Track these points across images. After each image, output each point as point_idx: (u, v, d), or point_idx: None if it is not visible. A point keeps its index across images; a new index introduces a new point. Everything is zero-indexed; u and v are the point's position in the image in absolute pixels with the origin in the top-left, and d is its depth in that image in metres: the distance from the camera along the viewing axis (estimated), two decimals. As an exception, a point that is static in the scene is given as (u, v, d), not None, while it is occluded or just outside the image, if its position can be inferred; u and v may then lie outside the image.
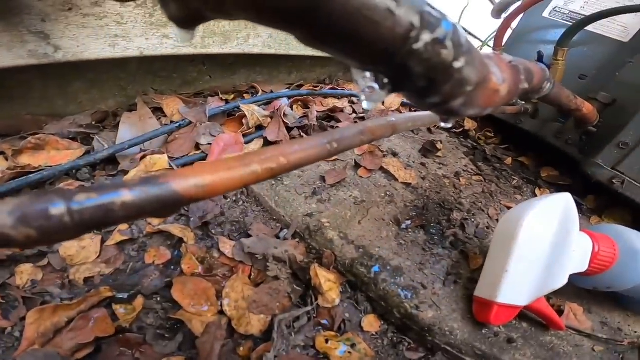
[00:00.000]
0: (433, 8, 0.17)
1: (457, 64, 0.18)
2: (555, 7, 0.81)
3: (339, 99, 0.84)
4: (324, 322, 0.41)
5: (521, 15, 0.80)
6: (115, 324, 0.36)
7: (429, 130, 0.91)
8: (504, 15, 0.90)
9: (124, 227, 0.46)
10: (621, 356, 0.44)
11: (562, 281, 0.39)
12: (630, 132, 0.63)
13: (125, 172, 0.50)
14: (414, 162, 0.72)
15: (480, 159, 0.82)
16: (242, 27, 0.63)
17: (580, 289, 0.47)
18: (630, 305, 0.49)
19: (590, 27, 0.73)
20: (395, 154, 0.72)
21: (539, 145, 0.83)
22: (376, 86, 0.19)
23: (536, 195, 0.75)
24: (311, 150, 0.24)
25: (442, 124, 0.27)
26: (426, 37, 0.16)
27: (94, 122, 0.56)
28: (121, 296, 0.39)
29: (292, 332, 0.39)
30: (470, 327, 0.41)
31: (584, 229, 0.43)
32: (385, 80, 0.19)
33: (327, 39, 0.16)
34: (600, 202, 0.76)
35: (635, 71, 0.68)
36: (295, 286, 0.43)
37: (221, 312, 0.39)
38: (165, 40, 0.55)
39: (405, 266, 0.46)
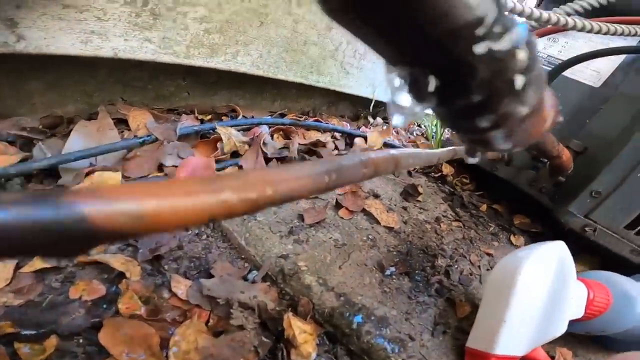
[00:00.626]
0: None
1: (524, 78, 0.14)
2: None
3: (322, 132, 0.82)
4: (295, 385, 0.33)
5: None
6: None
7: (409, 173, 0.90)
8: None
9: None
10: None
11: (562, 329, 0.37)
12: (603, 181, 0.64)
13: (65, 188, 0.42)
14: (395, 205, 0.69)
15: (458, 204, 0.82)
16: (233, 42, 0.60)
17: (566, 334, 0.46)
18: (617, 347, 0.48)
19: (566, 72, 0.74)
20: (377, 196, 0.69)
21: (512, 192, 0.84)
22: (410, 98, 0.15)
23: (512, 243, 0.74)
24: (305, 180, 0.17)
25: (469, 160, 0.23)
26: (498, 32, 0.11)
27: (41, 127, 0.48)
28: (27, 333, 0.30)
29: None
30: None
31: (578, 277, 0.41)
32: (432, 87, 0.13)
33: (378, 7, 0.11)
34: (571, 249, 0.76)
35: (605, 119, 0.70)
36: (263, 338, 0.35)
37: (164, 369, 0.30)
38: (146, 43, 0.50)
39: (391, 316, 0.40)
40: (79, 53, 0.45)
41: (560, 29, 0.55)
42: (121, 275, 0.37)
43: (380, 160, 0.26)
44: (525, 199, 0.81)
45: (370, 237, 0.55)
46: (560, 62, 0.74)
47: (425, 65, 0.13)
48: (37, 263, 0.36)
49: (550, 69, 0.75)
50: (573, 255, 0.72)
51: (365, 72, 0.90)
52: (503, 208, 0.88)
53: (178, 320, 0.35)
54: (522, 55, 0.12)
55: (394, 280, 0.47)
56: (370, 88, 0.96)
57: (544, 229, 0.80)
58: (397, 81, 0.14)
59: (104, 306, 0.34)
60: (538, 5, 0.92)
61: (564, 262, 0.38)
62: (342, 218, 0.57)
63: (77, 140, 0.48)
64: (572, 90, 0.76)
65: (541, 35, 0.71)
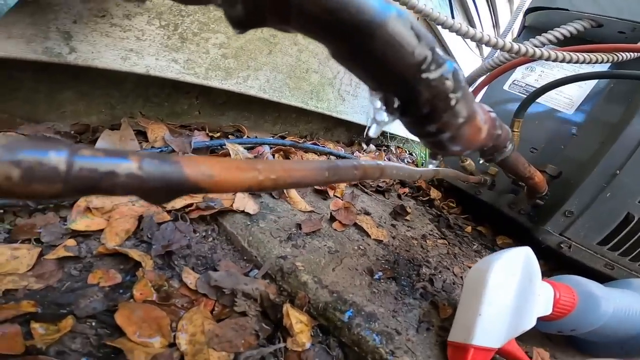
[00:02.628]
0: (441, 51, 0.20)
1: (455, 96, 0.21)
2: (514, 81, 0.90)
3: (318, 155, 0.88)
4: (291, 368, 0.36)
5: (485, 88, 0.89)
6: (28, 343, 0.29)
7: (399, 196, 0.96)
8: (472, 87, 1.03)
9: (71, 243, 0.41)
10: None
11: (531, 323, 0.40)
12: (575, 202, 0.70)
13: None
14: (384, 222, 0.74)
15: (444, 225, 0.87)
16: (245, 67, 0.67)
17: (544, 338, 0.50)
18: (591, 350, 0.51)
19: (541, 100, 0.80)
20: (367, 213, 0.74)
21: (495, 215, 0.89)
22: (384, 114, 0.21)
23: (495, 260, 0.78)
24: (311, 172, 0.25)
25: (430, 165, 0.29)
26: (434, 68, 0.19)
27: (72, 132, 0.53)
28: (46, 312, 0.32)
29: (255, 377, 0.33)
30: None
31: (545, 279, 0.45)
32: (396, 105, 0.21)
33: (360, 57, 0.18)
34: (550, 266, 0.81)
35: (578, 144, 0.76)
36: (263, 324, 0.39)
37: (173, 345, 0.33)
38: (173, 64, 0.57)
39: (379, 312, 0.44)
40: (118, 68, 0.52)
41: (532, 59, 0.62)
42: (137, 266, 0.41)
43: (368, 167, 0.32)
44: (507, 220, 0.87)
45: (361, 247, 0.60)
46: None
47: (391, 90, 0.20)
48: (60, 251, 0.39)
49: (523, 97, 0.83)
50: (552, 273, 0.77)
51: (360, 100, 0.99)
52: (487, 229, 0.94)
53: (186, 306, 0.38)
54: (449, 82, 0.19)
55: (382, 283, 0.51)
56: (364, 115, 1.04)
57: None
58: (377, 102, 0.21)
59: (120, 291, 0.38)
60: (518, 36, 1.02)
61: (529, 264, 0.43)
62: (335, 230, 0.62)
63: (102, 147, 0.53)
64: (548, 118, 0.83)
65: (516, 65, 0.79)
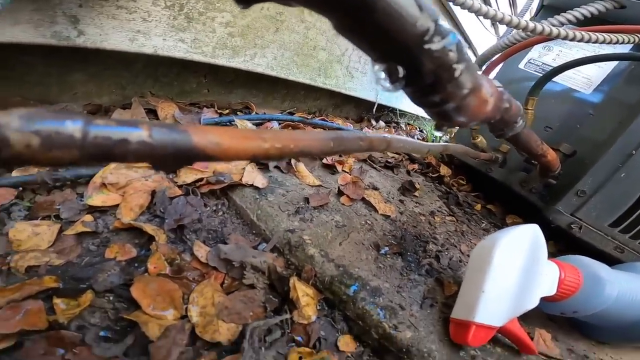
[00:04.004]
0: (444, 22, 0.19)
1: (459, 68, 0.20)
2: (530, 59, 0.86)
3: (326, 130, 0.87)
4: (298, 338, 0.37)
5: (500, 65, 0.85)
6: (50, 318, 0.31)
7: (408, 172, 0.95)
8: (484, 67, 0.99)
9: (88, 218, 0.42)
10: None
11: (534, 302, 0.39)
12: (588, 182, 0.68)
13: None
14: (393, 198, 0.74)
15: (453, 202, 0.86)
16: (252, 45, 0.66)
17: (547, 320, 0.49)
18: (594, 333, 0.51)
19: (558, 79, 0.77)
20: (376, 188, 0.74)
21: (506, 193, 0.88)
22: (388, 84, 0.21)
23: (503, 239, 0.78)
24: (316, 142, 0.25)
25: (436, 132, 0.28)
26: (437, 40, 0.18)
27: (85, 112, 0.54)
28: (67, 287, 0.34)
29: (263, 346, 0.35)
30: (448, 349, 0.39)
31: (551, 258, 0.44)
32: (401, 75, 0.20)
33: (362, 29, 0.18)
34: (560, 247, 0.80)
35: (594, 123, 0.73)
36: (271, 297, 0.40)
37: (185, 317, 0.35)
38: (180, 43, 0.56)
39: (384, 287, 0.45)
40: (127, 49, 0.51)
41: (549, 38, 0.59)
42: (151, 240, 0.42)
43: (374, 139, 0.31)
44: (517, 199, 0.85)
45: (368, 222, 0.60)
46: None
47: (394, 60, 0.19)
48: (79, 227, 0.41)
49: (539, 76, 0.79)
50: (562, 254, 0.76)
51: (369, 76, 0.96)
52: (497, 208, 0.92)
53: (197, 279, 0.40)
54: (452, 53, 0.19)
55: (388, 259, 0.52)
56: (373, 92, 1.02)
57: (534, 227, 0.84)
58: (381, 73, 0.20)
59: (135, 265, 0.39)
60: (536, 15, 0.96)
61: (537, 242, 0.42)
62: (343, 204, 0.62)
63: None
64: (565, 97, 0.80)
65: (533, 44, 0.75)
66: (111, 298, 0.35)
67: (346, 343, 0.39)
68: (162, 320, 0.33)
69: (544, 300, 0.42)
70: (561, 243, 0.79)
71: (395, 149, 0.36)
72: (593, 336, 0.51)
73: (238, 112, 0.75)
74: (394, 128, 1.22)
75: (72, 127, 0.14)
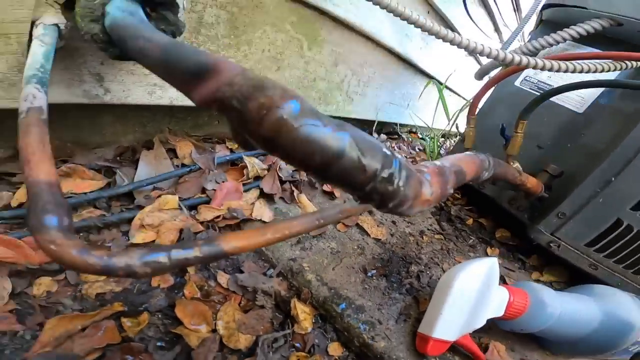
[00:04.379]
0: (386, 149, 0.33)
1: (400, 189, 0.34)
2: (526, 77, 0.96)
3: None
4: (297, 345, 0.54)
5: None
6: (122, 334, 0.47)
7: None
8: (485, 78, 1.07)
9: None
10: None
11: (481, 323, 0.55)
12: (569, 204, 0.79)
13: (141, 207, 0.63)
14: (386, 219, 0.89)
15: (444, 219, 1.00)
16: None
17: (508, 333, 0.63)
18: (548, 346, 0.65)
19: (553, 97, 0.83)
20: (370, 212, 0.88)
21: (497, 209, 1.01)
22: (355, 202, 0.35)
23: (487, 254, 0.92)
24: (305, 225, 0.39)
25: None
26: (382, 175, 0.31)
27: (118, 158, 0.70)
28: (129, 310, 0.50)
29: (271, 351, 0.52)
30: (413, 357, 0.55)
31: (505, 285, 0.59)
32: (359, 200, 0.34)
33: (325, 177, 0.31)
34: (542, 261, 0.94)
35: (584, 144, 0.82)
36: (277, 314, 0.56)
37: (214, 331, 0.51)
38: None
39: (367, 305, 0.61)
40: (147, 102, 0.65)
41: (524, 68, 0.68)
42: (183, 270, 0.58)
43: (351, 209, 0.46)
44: (507, 215, 0.98)
45: (360, 246, 0.75)
46: (548, 87, 0.88)
47: (354, 194, 0.33)
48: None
49: (536, 95, 0.89)
50: (544, 267, 0.90)
51: (369, 98, 1.09)
52: (488, 222, 1.06)
53: (221, 301, 0.56)
54: (394, 181, 0.31)
55: (374, 280, 0.67)
56: (374, 111, 1.14)
57: (521, 242, 0.98)
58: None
59: (175, 291, 0.56)
60: (535, 29, 1.05)
61: (491, 273, 0.56)
62: (339, 231, 0.77)
63: (143, 167, 0.69)
64: (557, 116, 0.88)
65: (510, 73, 0.84)
66: (160, 316, 0.51)
67: (335, 349, 0.56)
68: (199, 333, 0.49)
69: (497, 319, 0.57)
70: (543, 257, 0.93)
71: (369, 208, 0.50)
72: (547, 348, 0.65)
73: (245, 141, 0.90)
74: (394, 140, 1.35)
75: (164, 259, 0.28)
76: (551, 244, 0.84)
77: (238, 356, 0.50)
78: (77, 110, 0.67)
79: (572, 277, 0.89)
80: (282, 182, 0.80)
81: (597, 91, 0.86)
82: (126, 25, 0.39)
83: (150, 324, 0.50)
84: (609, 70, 0.73)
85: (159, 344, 0.48)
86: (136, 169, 0.68)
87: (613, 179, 0.75)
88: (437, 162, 0.44)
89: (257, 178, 0.78)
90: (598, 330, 0.58)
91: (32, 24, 0.44)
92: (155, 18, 0.49)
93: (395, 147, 1.26)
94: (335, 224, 0.78)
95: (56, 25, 0.45)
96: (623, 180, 0.74)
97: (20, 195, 0.56)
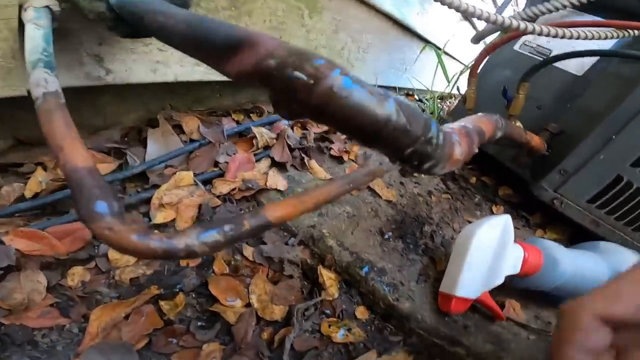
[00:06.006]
0: (424, 112, 0.32)
1: (437, 151, 0.33)
2: (525, 41, 0.95)
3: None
4: (326, 311, 0.56)
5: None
6: (163, 318, 0.47)
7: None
8: (482, 42, 1.06)
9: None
10: (550, 344, 0.61)
11: (500, 280, 0.56)
12: (570, 161, 0.80)
13: (156, 186, 0.61)
14: (394, 181, 0.89)
15: (449, 178, 1.01)
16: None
17: (520, 290, 0.64)
18: (558, 302, 0.63)
19: None
20: (379, 174, 0.88)
21: (499, 167, 1.03)
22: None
23: (493, 212, 0.94)
24: (339, 189, 0.39)
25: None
26: (422, 139, 0.31)
27: (125, 138, 0.67)
28: (165, 293, 0.50)
29: (304, 319, 0.53)
30: (436, 316, 0.57)
31: (519, 241, 0.59)
32: (398, 164, 0.34)
33: (371, 143, 0.30)
34: (545, 218, 0.96)
35: (583, 105, 0.83)
36: (305, 282, 0.57)
37: (248, 305, 0.52)
38: (196, 67, 0.66)
39: (388, 268, 0.62)
40: (152, 80, 0.61)
41: (524, 33, 0.68)
42: (206, 246, 0.58)
43: (377, 170, 0.45)
44: (509, 173, 1.00)
45: (373, 208, 0.76)
46: (547, 51, 0.88)
47: (395, 157, 0.32)
48: (149, 239, 0.57)
49: (533, 57, 0.89)
50: (547, 224, 0.92)
51: (368, 63, 1.05)
52: (491, 180, 1.07)
53: (250, 274, 0.56)
54: (432, 144, 0.30)
55: (391, 242, 0.68)
56: (373, 76, 1.11)
57: (524, 199, 1.00)
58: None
59: (205, 269, 0.55)
60: None
61: (506, 230, 0.57)
62: (351, 195, 0.77)
63: (152, 146, 0.66)
64: (557, 78, 0.89)
65: (512, 38, 0.83)
66: (194, 296, 0.51)
67: (361, 312, 0.57)
68: (235, 309, 0.50)
69: (514, 277, 0.58)
70: (546, 215, 0.95)
71: (388, 170, 0.50)
72: (558, 305, 0.68)
73: (250, 114, 0.87)
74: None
75: (221, 236, 0.28)
76: (554, 201, 0.85)
77: (274, 327, 0.51)
78: (74, 93, 0.62)
79: (574, 235, 0.90)
80: (291, 149, 0.78)
81: (595, 57, 0.85)
82: (137, 1, 0.36)
83: (187, 304, 0.50)
84: (608, 38, 0.72)
85: (199, 323, 0.48)
86: (145, 148, 0.66)
87: (614, 136, 0.76)
88: (461, 123, 0.44)
89: (267, 147, 0.76)
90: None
91: (20, 7, 0.41)
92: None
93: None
94: (363, 186, 0.78)
95: (47, 7, 0.41)
96: (624, 137, 0.74)
97: (33, 185, 0.53)
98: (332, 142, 0.89)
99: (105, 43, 0.55)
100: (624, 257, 0.63)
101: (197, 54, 0.31)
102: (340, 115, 0.24)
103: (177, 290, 0.51)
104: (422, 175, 0.97)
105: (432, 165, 0.33)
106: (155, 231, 0.27)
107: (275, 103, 0.30)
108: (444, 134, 0.33)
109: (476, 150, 0.46)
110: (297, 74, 0.23)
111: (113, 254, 0.52)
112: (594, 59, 0.86)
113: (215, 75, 0.70)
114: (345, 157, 0.89)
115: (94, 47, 0.54)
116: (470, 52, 1.35)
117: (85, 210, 0.24)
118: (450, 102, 1.57)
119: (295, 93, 0.24)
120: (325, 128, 0.92)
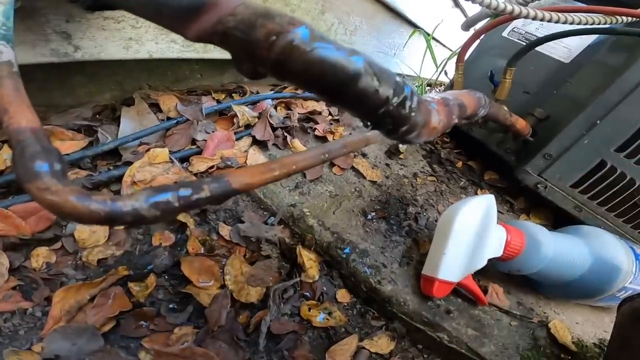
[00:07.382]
0: (399, 75, 0.30)
1: (412, 115, 0.31)
2: (513, 28, 0.94)
3: (317, 102, 0.96)
4: (306, 294, 0.53)
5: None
6: (132, 300, 0.44)
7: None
8: (472, 29, 1.05)
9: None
10: (532, 331, 0.58)
11: (482, 262, 0.53)
12: (555, 146, 0.79)
13: (129, 164, 0.58)
14: (379, 162, 0.87)
15: (435, 161, 0.99)
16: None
17: (502, 274, 0.62)
18: (540, 288, 0.64)
19: (539, 47, 0.84)
20: (364, 155, 0.86)
21: (485, 151, 1.01)
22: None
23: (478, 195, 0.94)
24: (311, 159, 0.37)
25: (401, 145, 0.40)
26: (395, 100, 0.29)
27: (97, 116, 0.63)
28: (134, 274, 0.47)
29: (282, 302, 0.51)
30: (419, 299, 0.55)
31: (502, 223, 0.57)
32: (369, 123, 0.32)
33: (339, 101, 0.28)
34: (529, 203, 0.96)
35: (569, 91, 0.83)
36: (283, 263, 0.55)
37: (223, 286, 0.50)
38: (172, 44, 0.62)
39: (370, 249, 0.60)
40: (123, 57, 0.58)
41: (517, 17, 0.66)
42: (182, 226, 0.55)
43: (355, 142, 0.43)
44: (494, 157, 0.99)
45: (357, 189, 0.73)
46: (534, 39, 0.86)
47: (365, 119, 0.30)
48: (122, 219, 0.54)
49: (521, 44, 0.87)
50: (531, 209, 0.92)
51: (356, 46, 1.01)
52: (477, 164, 1.06)
53: (226, 254, 0.54)
54: (406, 107, 0.28)
55: (374, 223, 0.66)
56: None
57: (508, 184, 0.99)
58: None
59: (178, 249, 0.53)
60: None
61: (489, 211, 0.54)
62: (335, 174, 0.75)
63: (126, 124, 0.63)
64: (544, 65, 0.88)
65: (501, 22, 0.82)
66: (167, 277, 0.49)
67: (343, 295, 0.55)
68: (208, 290, 0.48)
69: (496, 260, 0.55)
70: (530, 199, 0.95)
71: (374, 142, 0.48)
72: (541, 292, 0.64)
73: (233, 94, 0.83)
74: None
75: (173, 198, 0.25)
76: (538, 185, 0.84)
77: (250, 310, 0.48)
78: (43, 72, 0.59)
79: (558, 221, 0.89)
80: (273, 128, 0.75)
81: (584, 43, 0.85)
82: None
83: (158, 286, 0.47)
84: (598, 24, 0.71)
85: (170, 306, 0.46)
86: (118, 126, 0.62)
87: (598, 121, 0.75)
88: (442, 95, 0.42)
89: (248, 126, 0.73)
90: (588, 273, 0.57)
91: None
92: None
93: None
94: (340, 157, 0.76)
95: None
96: (608, 122, 0.73)
97: (-6, 161, 0.50)
98: (316, 123, 0.86)
99: (74, 20, 0.52)
100: (606, 241, 0.60)
101: (158, 20, 0.29)
102: (303, 69, 0.23)
103: (148, 271, 0.48)
104: (408, 157, 0.95)
105: (407, 130, 0.31)
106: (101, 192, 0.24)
107: (237, 63, 0.27)
108: (419, 99, 0.31)
109: (456, 121, 0.44)
110: (258, 30, 0.22)
111: (80, 234, 0.49)
112: (581, 47, 0.86)
113: (193, 53, 0.67)
114: (330, 138, 0.86)
115: (62, 25, 0.51)
116: (459, 40, 1.33)
117: (22, 169, 0.22)
118: (438, 90, 1.55)
119: (254, 49, 0.23)
120: (310, 108, 0.89)
